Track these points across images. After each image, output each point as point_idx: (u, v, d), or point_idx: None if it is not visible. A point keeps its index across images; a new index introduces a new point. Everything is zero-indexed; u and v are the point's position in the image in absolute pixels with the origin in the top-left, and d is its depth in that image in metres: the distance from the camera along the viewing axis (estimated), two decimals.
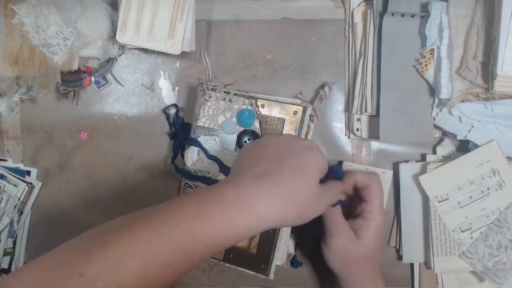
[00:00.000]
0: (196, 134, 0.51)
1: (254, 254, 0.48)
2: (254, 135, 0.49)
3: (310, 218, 0.38)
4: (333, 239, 0.45)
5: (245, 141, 0.50)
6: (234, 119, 0.50)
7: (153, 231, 0.32)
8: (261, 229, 0.35)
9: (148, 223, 0.33)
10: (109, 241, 0.32)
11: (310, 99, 0.53)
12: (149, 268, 0.31)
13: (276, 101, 0.49)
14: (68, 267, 0.30)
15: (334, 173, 0.42)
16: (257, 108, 0.49)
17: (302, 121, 0.48)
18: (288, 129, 0.48)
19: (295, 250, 0.54)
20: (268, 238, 0.48)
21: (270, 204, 0.34)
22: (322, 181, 0.39)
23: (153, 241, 0.32)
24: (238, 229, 0.34)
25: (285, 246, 0.50)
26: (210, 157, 0.50)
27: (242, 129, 0.50)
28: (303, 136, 0.49)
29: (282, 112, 0.49)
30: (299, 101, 0.49)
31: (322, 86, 0.53)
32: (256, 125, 0.50)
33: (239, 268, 0.49)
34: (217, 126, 0.50)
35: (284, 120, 0.49)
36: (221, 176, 0.50)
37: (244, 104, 0.49)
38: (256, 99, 0.49)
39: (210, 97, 0.50)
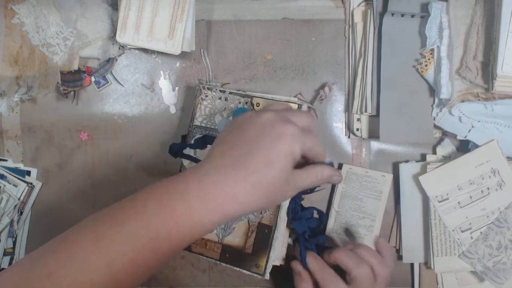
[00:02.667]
0: (193, 134, 0.51)
1: (250, 253, 0.48)
2: None
3: (275, 204, 0.40)
4: None
5: None
6: (230, 118, 0.50)
7: (117, 228, 0.32)
8: (226, 221, 0.34)
9: (113, 220, 0.33)
10: (76, 240, 0.32)
11: (310, 100, 0.53)
12: (115, 267, 0.31)
13: (271, 99, 0.49)
14: (38, 267, 0.31)
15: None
16: (251, 107, 0.49)
17: None
18: None
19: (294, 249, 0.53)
20: (264, 238, 0.48)
21: (233, 200, 0.33)
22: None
23: (118, 239, 0.32)
24: (201, 223, 0.33)
25: (283, 247, 0.50)
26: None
27: None
28: None
29: None
30: (295, 99, 0.49)
31: (322, 87, 0.53)
32: None
33: (235, 268, 0.49)
34: (213, 125, 0.50)
35: None
36: None
37: (240, 103, 0.49)
38: (251, 97, 0.49)
39: (206, 96, 0.50)
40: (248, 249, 0.49)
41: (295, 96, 0.53)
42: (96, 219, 0.33)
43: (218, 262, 0.49)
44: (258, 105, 0.49)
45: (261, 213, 0.49)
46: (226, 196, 0.33)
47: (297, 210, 0.47)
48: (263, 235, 0.48)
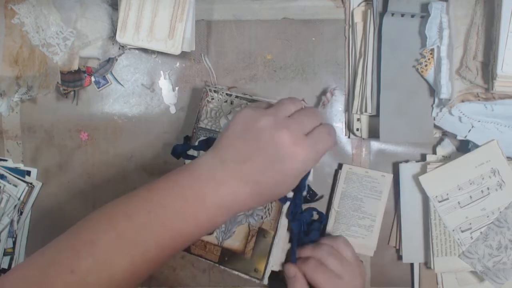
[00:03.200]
0: (197, 135, 0.51)
1: (249, 258, 0.48)
2: None
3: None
4: None
5: None
6: None
7: (137, 230, 0.34)
8: (230, 216, 0.38)
9: (130, 221, 0.34)
10: (95, 239, 0.33)
11: (314, 105, 0.53)
12: (137, 263, 0.33)
13: None
14: (58, 264, 0.32)
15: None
16: None
17: None
18: None
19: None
20: (264, 243, 0.48)
21: (244, 205, 0.38)
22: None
23: (140, 240, 0.33)
24: (215, 223, 0.37)
25: (282, 253, 0.50)
26: None
27: None
28: None
29: None
30: None
31: (324, 92, 0.53)
32: None
33: (233, 272, 0.48)
34: (218, 128, 0.50)
35: None
36: None
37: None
38: (257, 102, 0.49)
39: (212, 99, 0.50)
40: (247, 254, 0.48)
41: None
42: (112, 219, 0.35)
43: (217, 265, 0.49)
44: None
45: (261, 218, 0.49)
46: (239, 203, 0.37)
47: (296, 211, 0.47)
48: (263, 240, 0.48)
